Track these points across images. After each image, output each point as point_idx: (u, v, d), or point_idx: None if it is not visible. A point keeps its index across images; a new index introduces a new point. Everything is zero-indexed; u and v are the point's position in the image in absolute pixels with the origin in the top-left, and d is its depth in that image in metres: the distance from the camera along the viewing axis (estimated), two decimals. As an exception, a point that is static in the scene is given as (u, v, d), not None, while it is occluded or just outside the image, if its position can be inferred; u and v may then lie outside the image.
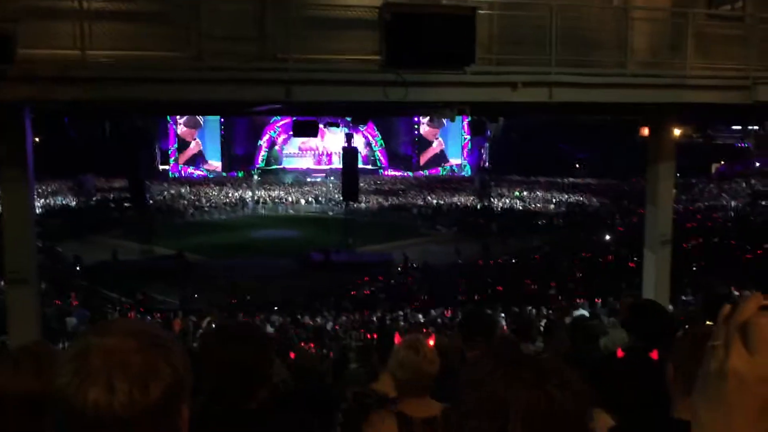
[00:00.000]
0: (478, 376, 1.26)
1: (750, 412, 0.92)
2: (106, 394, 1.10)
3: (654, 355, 3.46)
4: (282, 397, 4.82)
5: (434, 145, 68.26)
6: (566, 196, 53.69)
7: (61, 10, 8.20)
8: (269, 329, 20.01)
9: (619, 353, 3.89)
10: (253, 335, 2.40)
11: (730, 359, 0.93)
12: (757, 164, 51.94)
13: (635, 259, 19.93)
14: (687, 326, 3.54)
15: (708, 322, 4.12)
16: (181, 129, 63.44)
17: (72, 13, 8.05)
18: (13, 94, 7.94)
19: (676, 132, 12.56)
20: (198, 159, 64.55)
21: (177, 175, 63.26)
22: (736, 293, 13.67)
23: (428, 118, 61.09)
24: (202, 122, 63.07)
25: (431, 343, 4.24)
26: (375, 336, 14.95)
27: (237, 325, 2.53)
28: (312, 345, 15.09)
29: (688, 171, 44.32)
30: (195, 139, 64.19)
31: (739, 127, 50.39)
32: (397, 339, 5.19)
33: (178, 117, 60.21)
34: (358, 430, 3.20)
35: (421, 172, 67.16)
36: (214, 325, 14.92)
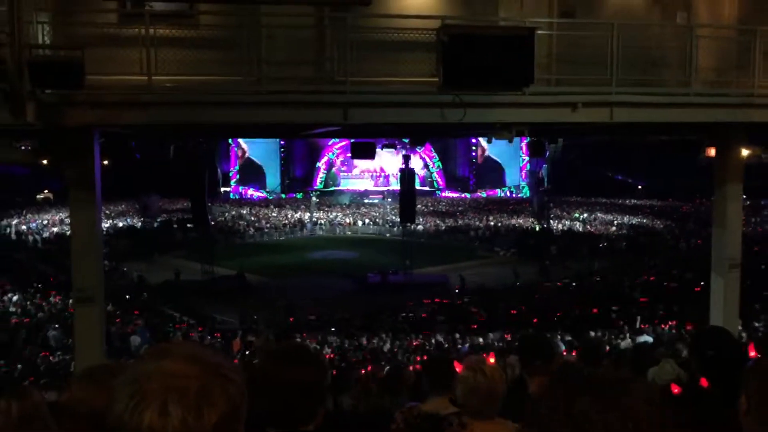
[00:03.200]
0: (558, 402, 1.24)
1: None
2: (161, 417, 1.10)
3: (703, 383, 3.30)
4: (336, 418, 4.80)
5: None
6: (627, 218, 52.48)
7: (127, 37, 8.49)
8: (326, 350, 20.11)
9: (674, 389, 3.71)
10: (309, 355, 2.39)
11: None
12: (831, 185, 49.70)
13: (701, 283, 19.25)
14: (759, 355, 3.33)
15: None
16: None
17: (137, 40, 8.32)
18: (81, 118, 8.24)
19: (744, 152, 12.15)
20: (258, 181, 65.73)
21: (237, 196, 64.53)
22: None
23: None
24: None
25: (492, 361, 4.19)
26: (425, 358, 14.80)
27: (293, 346, 2.53)
28: (369, 367, 15.05)
29: (758, 192, 42.78)
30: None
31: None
32: (457, 366, 5.10)
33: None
34: None
35: (479, 194, 66.74)
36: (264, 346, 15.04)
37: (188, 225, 41.88)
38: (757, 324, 16.14)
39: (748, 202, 45.42)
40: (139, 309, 26.35)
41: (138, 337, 20.32)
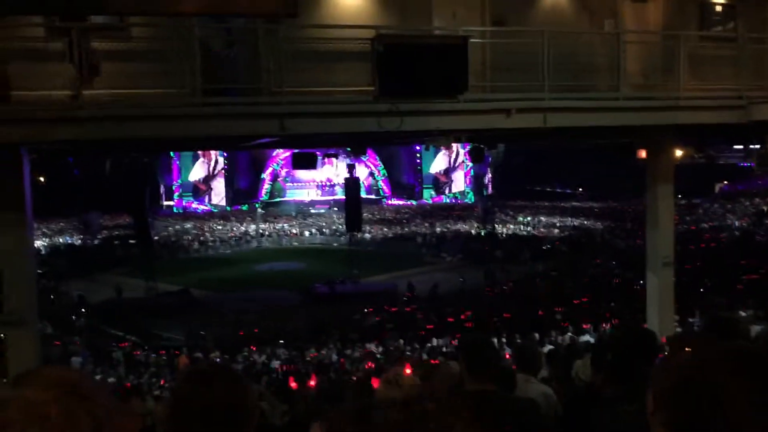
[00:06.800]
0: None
1: None
2: None
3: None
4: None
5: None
6: (570, 220, 53.60)
7: (55, 51, 8.27)
8: (275, 363, 19.91)
9: None
10: (227, 374, 2.28)
11: None
12: (760, 183, 51.77)
13: (641, 282, 19.79)
14: (667, 353, 3.43)
15: (687, 348, 4.03)
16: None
17: (66, 54, 8.11)
18: (7, 136, 7.98)
19: (675, 153, 12.57)
20: (203, 194, 64.66)
21: (181, 210, 63.40)
22: (742, 314, 13.54)
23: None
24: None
25: (408, 371, 4.20)
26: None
27: (211, 366, 2.45)
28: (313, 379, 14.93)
29: (691, 191, 44.18)
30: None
31: (741, 147, 50.44)
32: (374, 383, 5.10)
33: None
34: None
35: (425, 201, 67.17)
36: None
37: (130, 241, 40.96)
38: (691, 320, 16.62)
39: (683, 202, 46.93)
40: (79, 329, 25.61)
41: (80, 357, 19.81)
